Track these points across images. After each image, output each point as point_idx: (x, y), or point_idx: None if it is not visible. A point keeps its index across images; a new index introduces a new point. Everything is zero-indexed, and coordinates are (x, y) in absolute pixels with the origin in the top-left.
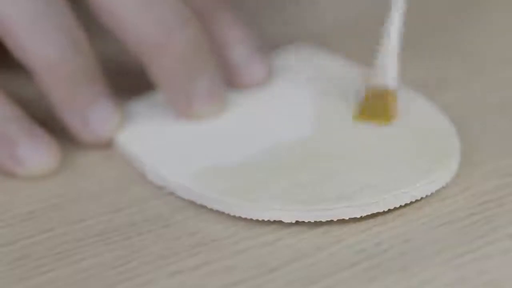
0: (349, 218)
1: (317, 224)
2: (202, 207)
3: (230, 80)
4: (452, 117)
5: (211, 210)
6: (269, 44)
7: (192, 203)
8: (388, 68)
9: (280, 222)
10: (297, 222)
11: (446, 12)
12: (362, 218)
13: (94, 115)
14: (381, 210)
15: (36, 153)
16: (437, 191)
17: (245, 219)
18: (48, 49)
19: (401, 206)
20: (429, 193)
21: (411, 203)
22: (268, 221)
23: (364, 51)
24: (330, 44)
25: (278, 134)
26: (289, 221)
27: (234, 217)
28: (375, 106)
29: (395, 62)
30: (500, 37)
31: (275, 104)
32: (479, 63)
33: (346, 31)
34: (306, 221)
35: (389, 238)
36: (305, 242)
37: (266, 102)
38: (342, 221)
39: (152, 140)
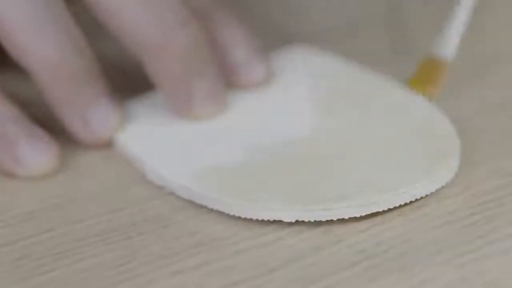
0: (349, 218)
1: (317, 224)
2: (202, 207)
3: (230, 80)
4: (452, 117)
5: (211, 210)
6: (269, 44)
7: (192, 203)
8: (449, 39)
9: (280, 222)
10: (297, 222)
11: (445, 12)
12: (362, 218)
13: (94, 115)
14: (381, 210)
15: (36, 153)
16: (437, 191)
17: (245, 219)
18: (48, 49)
19: (401, 206)
20: (429, 193)
21: (411, 202)
22: (268, 221)
23: (362, 51)
24: (329, 44)
25: (278, 133)
26: (289, 221)
27: (234, 217)
28: (426, 74)
29: (458, 34)
30: (500, 37)
31: (275, 104)
32: (479, 63)
33: (344, 31)
34: (306, 221)
35: (389, 238)
36: (305, 242)
37: (266, 102)
38: (342, 221)
39: (152, 140)
